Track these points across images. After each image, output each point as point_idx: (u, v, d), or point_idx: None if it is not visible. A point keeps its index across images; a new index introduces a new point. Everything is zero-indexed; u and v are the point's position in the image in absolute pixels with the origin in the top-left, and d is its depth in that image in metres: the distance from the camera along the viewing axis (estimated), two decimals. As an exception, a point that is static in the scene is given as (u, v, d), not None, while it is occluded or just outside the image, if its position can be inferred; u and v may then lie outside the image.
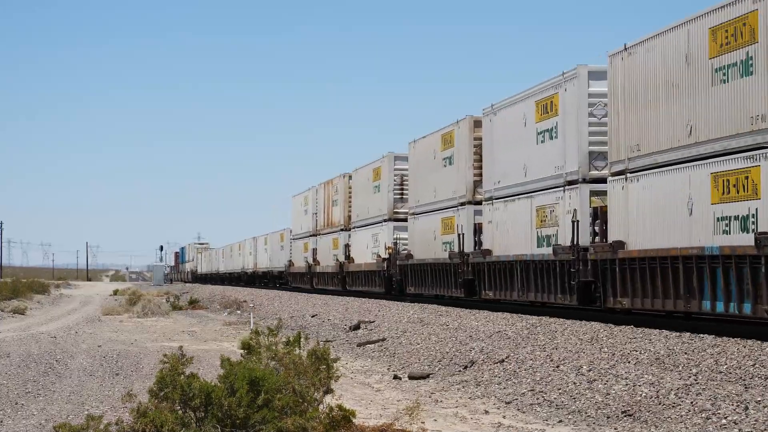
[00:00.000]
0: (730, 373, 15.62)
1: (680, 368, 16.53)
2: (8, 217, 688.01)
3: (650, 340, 19.49)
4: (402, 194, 43.24)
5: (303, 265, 61.24)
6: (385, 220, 43.76)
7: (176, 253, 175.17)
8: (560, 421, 14.85)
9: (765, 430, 12.68)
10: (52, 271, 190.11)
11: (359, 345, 27.25)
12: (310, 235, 59.55)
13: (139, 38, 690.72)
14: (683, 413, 13.96)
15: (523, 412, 15.81)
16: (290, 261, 66.98)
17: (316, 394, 12.01)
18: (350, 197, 51.12)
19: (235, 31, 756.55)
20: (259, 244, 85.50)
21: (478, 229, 32.73)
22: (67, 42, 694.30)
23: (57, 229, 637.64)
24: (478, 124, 33.18)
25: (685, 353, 17.54)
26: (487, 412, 15.92)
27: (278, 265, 74.37)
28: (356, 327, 31.23)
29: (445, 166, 35.73)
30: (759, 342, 17.51)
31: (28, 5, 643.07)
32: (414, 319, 30.51)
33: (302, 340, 13.44)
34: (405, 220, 41.61)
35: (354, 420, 11.95)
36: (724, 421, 13.22)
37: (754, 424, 12.89)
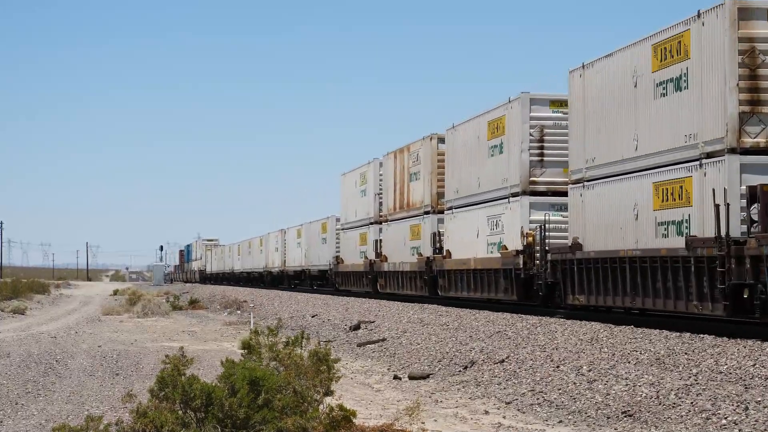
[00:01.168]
0: (730, 373, 15.62)
1: (680, 368, 16.53)
2: (8, 217, 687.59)
3: (650, 340, 19.49)
4: (542, 156, 29.75)
5: (359, 262, 48.15)
6: (513, 195, 30.19)
7: (181, 251, 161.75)
8: (560, 422, 14.86)
9: (765, 430, 12.68)
10: (52, 271, 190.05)
11: (359, 345, 27.25)
12: (371, 223, 46.91)
13: (139, 38, 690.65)
14: (683, 413, 13.96)
15: (523, 413, 15.81)
16: (337, 257, 54.43)
17: (316, 394, 12.03)
18: (441, 167, 37.56)
19: (235, 31, 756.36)
20: (290, 238, 71.70)
21: (757, 197, 19.10)
22: (67, 42, 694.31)
23: (57, 229, 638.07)
24: (744, 13, 20.03)
25: (686, 353, 17.54)
26: (487, 412, 15.92)
27: (318, 263, 61.74)
28: (356, 327, 31.24)
29: (663, 95, 22.32)
30: (759, 342, 17.52)
31: (28, 5, 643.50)
32: (414, 319, 30.51)
33: (303, 339, 13.47)
34: (547, 193, 29.43)
35: (354, 420, 11.96)
36: (724, 421, 13.22)
37: (754, 424, 12.88)
